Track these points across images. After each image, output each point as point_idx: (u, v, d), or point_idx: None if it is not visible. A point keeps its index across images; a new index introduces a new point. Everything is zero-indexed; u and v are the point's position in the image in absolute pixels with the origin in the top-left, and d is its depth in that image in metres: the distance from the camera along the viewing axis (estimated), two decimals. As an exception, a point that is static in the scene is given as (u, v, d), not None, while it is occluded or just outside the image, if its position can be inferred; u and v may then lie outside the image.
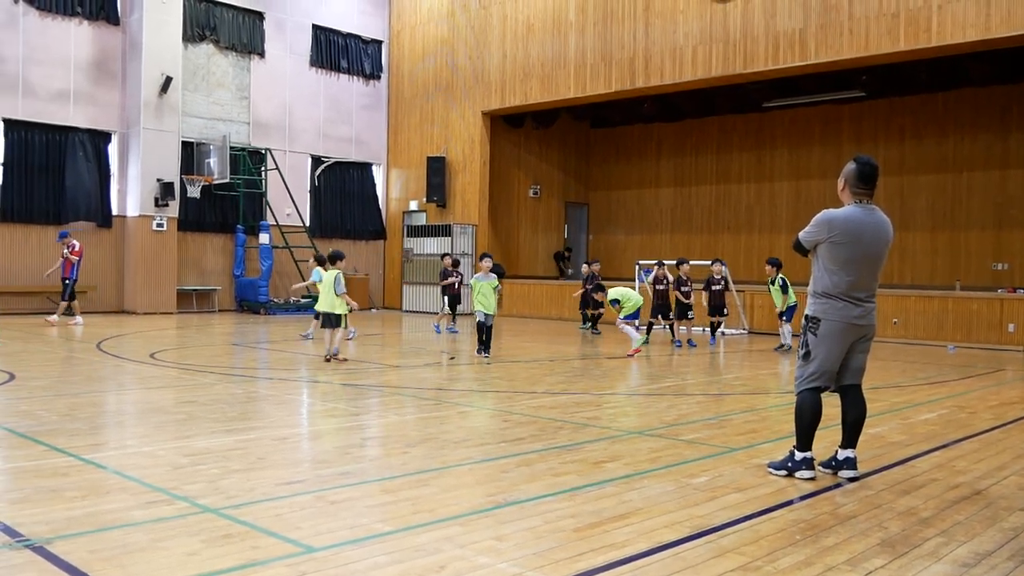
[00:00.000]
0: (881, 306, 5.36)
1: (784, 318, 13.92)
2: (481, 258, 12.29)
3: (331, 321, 10.84)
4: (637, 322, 12.89)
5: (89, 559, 3.46)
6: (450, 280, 16.39)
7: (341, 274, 10.98)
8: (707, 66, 17.59)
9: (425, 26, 23.46)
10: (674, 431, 6.62)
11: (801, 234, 5.17)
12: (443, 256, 17.57)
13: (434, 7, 23.21)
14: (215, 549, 3.62)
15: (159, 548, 3.62)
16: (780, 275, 13.84)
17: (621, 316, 12.68)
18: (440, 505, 4.37)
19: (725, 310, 15.24)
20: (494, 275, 11.84)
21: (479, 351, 11.65)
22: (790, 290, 13.89)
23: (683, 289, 14.46)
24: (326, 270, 11.37)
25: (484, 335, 11.65)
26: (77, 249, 16.06)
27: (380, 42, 24.33)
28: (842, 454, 5.21)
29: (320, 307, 11.07)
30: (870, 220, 5.01)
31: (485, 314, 11.59)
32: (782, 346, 13.89)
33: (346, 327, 11.27)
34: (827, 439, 5.72)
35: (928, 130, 19.93)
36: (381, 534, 3.87)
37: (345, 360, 10.80)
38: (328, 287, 10.86)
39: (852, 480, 5.10)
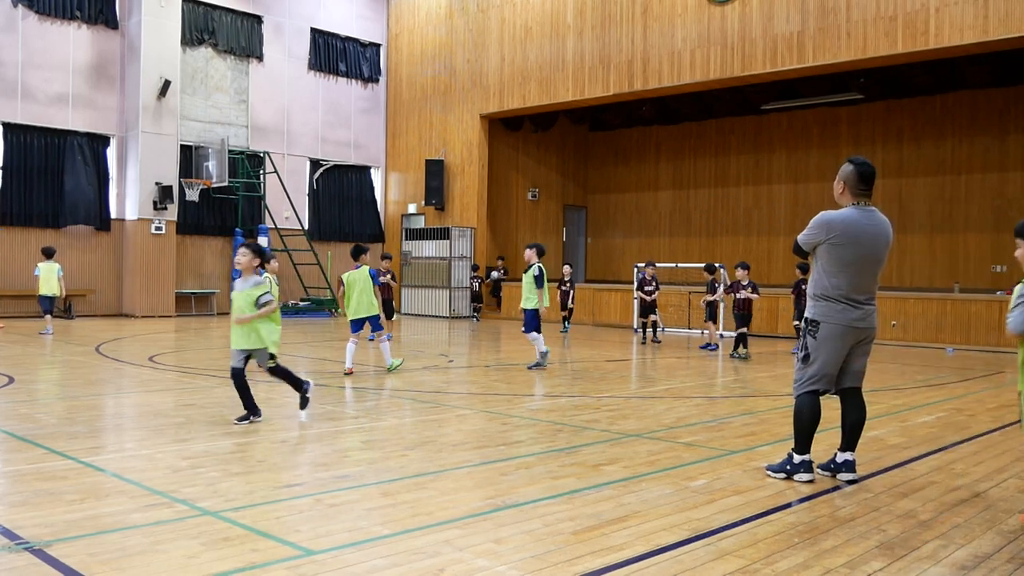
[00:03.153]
0: (880, 308, 5.35)
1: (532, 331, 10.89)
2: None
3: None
4: (360, 335, 10.21)
5: (88, 562, 3.47)
6: (385, 280, 14.07)
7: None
8: (705, 69, 17.60)
9: (423, 30, 23.47)
10: (673, 434, 6.62)
11: (800, 236, 5.18)
12: (383, 257, 15.21)
13: (432, 11, 23.23)
14: (214, 552, 3.62)
15: (158, 551, 3.62)
16: (539, 264, 10.87)
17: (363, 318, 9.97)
18: (439, 508, 4.38)
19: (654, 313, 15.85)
20: (259, 278, 7.15)
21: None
22: (545, 287, 10.84)
23: (716, 293, 14.60)
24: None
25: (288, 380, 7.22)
26: None
27: (378, 46, 24.35)
28: (841, 457, 5.21)
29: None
30: (869, 222, 5.01)
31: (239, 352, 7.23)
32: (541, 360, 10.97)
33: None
34: (826, 442, 5.73)
35: (926, 132, 19.97)
36: (380, 537, 3.88)
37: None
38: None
39: (851, 483, 5.11)
